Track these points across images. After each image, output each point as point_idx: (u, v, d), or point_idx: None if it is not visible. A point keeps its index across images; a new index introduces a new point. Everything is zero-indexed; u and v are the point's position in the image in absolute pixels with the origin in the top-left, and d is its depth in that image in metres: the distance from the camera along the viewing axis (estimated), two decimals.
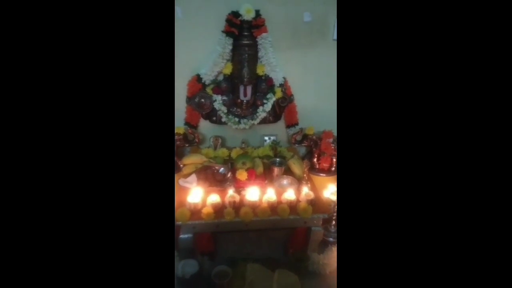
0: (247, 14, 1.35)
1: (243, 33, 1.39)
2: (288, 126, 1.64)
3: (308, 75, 1.57)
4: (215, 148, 1.56)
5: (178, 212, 1.13)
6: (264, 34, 1.40)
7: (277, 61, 1.48)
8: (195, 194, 1.18)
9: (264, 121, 1.58)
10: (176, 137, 1.45)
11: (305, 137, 1.57)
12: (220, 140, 1.57)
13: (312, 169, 1.54)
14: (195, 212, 1.15)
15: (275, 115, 1.59)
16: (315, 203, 1.23)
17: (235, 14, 1.36)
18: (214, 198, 1.18)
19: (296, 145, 1.59)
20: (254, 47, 1.43)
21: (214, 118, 1.57)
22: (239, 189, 1.27)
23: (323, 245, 1.32)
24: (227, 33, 1.38)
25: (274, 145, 1.58)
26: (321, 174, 1.53)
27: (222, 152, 1.52)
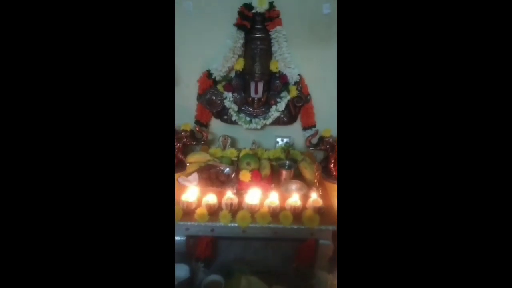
0: (260, 6, 1.27)
1: (256, 26, 1.32)
2: (305, 128, 1.51)
3: (327, 73, 1.43)
4: (223, 148, 1.47)
5: None
6: (278, 28, 1.31)
7: (292, 57, 1.37)
8: (190, 193, 1.09)
9: (277, 122, 1.48)
10: (182, 134, 1.39)
11: (321, 140, 1.42)
12: (229, 140, 1.49)
13: (329, 176, 1.38)
14: (188, 212, 1.06)
15: (290, 116, 1.48)
16: (324, 213, 1.07)
17: (248, 7, 1.29)
18: (210, 198, 1.08)
19: (311, 148, 1.44)
20: (267, 41, 1.34)
21: (225, 117, 1.49)
22: (240, 191, 1.16)
23: (335, 263, 1.15)
24: (239, 26, 1.31)
25: (287, 147, 1.45)
26: None
27: (231, 152, 1.43)
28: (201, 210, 1.04)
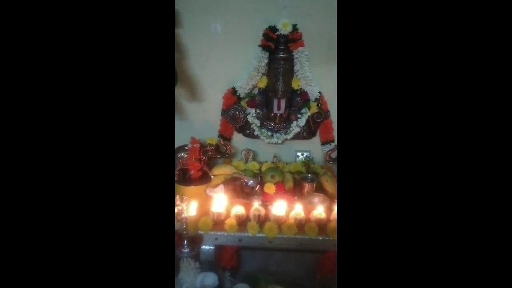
0: (284, 29, 1.35)
1: (279, 47, 1.40)
2: (323, 143, 1.57)
3: None
4: (246, 161, 1.53)
5: (201, 221, 1.10)
6: (300, 48, 1.39)
7: (313, 75, 1.45)
8: (219, 204, 1.15)
9: (297, 136, 1.54)
10: (208, 147, 1.46)
11: None
12: (251, 153, 1.55)
13: None
14: (218, 222, 1.12)
15: (309, 131, 1.54)
16: None
17: (272, 29, 1.37)
18: (238, 209, 1.14)
19: (331, 162, 1.50)
20: (290, 61, 1.42)
21: (248, 132, 1.56)
22: (265, 203, 1.21)
23: None
24: (264, 47, 1.39)
25: (307, 161, 1.51)
26: None
27: (253, 165, 1.49)
28: (231, 221, 1.09)
